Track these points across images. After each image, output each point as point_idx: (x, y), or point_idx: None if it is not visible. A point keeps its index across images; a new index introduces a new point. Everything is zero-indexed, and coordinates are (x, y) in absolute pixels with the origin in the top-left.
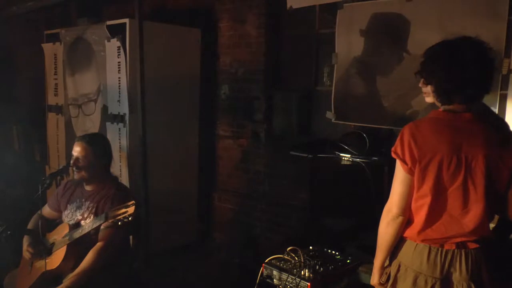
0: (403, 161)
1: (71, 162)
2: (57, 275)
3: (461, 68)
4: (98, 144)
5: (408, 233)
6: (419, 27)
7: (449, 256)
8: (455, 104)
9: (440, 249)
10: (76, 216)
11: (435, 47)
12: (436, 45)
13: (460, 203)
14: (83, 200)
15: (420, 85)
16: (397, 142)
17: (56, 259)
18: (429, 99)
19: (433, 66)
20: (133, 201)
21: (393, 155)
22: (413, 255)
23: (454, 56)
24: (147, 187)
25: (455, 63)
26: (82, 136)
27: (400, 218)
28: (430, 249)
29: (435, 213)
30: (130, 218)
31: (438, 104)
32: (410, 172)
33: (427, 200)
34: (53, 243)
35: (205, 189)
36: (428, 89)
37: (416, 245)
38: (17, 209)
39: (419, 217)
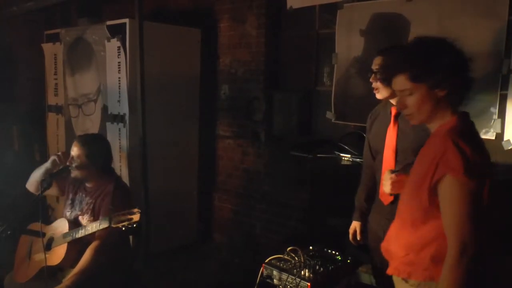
0: (481, 177)
1: (68, 160)
2: (56, 269)
3: (467, 66)
4: (93, 145)
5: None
6: (419, 27)
7: None
8: (460, 107)
9: None
10: (76, 211)
11: (436, 49)
12: (428, 45)
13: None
14: (84, 195)
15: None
16: (461, 161)
17: (56, 256)
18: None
19: (443, 68)
20: (138, 209)
21: (465, 176)
22: None
23: (457, 54)
24: (147, 187)
25: (461, 60)
26: (80, 136)
27: (479, 257)
28: None
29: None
30: (135, 225)
31: (450, 108)
32: (480, 189)
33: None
34: (52, 238)
35: (205, 189)
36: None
37: None
38: (17, 209)
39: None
